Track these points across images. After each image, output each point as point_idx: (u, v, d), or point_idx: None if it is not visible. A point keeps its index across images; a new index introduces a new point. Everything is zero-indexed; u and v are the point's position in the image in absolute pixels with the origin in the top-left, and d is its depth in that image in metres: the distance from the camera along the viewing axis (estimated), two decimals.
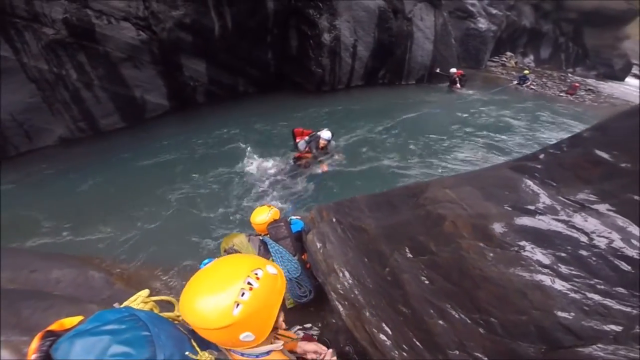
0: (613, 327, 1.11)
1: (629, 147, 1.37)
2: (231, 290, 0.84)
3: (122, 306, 0.93)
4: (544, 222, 1.27)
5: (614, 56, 21.39)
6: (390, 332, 1.72)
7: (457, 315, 1.43)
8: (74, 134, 6.68)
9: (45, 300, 2.47)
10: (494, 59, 18.20)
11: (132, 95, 7.14)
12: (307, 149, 5.79)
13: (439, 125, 8.63)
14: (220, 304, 0.82)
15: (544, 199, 1.34)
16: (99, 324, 0.75)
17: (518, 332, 1.24)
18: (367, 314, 1.86)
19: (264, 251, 2.64)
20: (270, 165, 5.98)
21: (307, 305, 2.62)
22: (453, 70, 12.52)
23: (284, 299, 0.99)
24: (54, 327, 0.78)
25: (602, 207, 1.26)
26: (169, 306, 1.15)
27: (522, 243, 1.25)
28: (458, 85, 12.57)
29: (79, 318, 0.80)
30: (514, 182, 1.48)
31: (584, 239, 1.19)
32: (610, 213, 1.25)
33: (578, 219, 1.24)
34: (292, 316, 2.61)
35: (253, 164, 6.00)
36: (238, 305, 0.82)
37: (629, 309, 1.12)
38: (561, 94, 14.86)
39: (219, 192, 5.28)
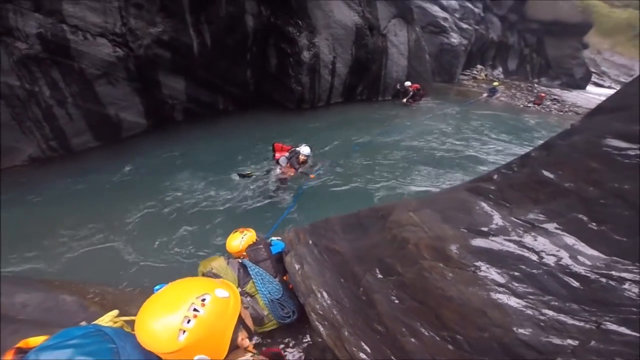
0: (570, 341, 1.17)
1: (571, 166, 1.49)
2: (175, 318, 0.84)
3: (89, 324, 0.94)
4: (497, 243, 1.36)
5: (574, 65, 22.96)
6: (369, 350, 1.76)
7: (426, 333, 1.49)
8: (44, 153, 6.46)
9: (10, 325, 2.38)
10: (466, 72, 19.06)
11: (106, 113, 7.00)
12: (287, 165, 5.95)
13: (411, 139, 8.92)
14: (166, 331, 0.83)
15: (497, 220, 1.44)
16: (64, 339, 0.77)
17: (483, 349, 1.29)
18: (346, 333, 1.90)
19: (244, 274, 2.62)
20: (252, 183, 5.98)
21: (293, 324, 2.62)
22: (407, 83, 12.26)
23: (241, 319, 1.00)
24: (20, 344, 0.81)
25: (551, 226, 1.36)
26: None
27: (478, 263, 1.33)
28: (411, 100, 12.17)
29: (45, 337, 0.81)
30: (469, 204, 1.58)
31: (534, 257, 1.29)
32: (558, 232, 1.36)
33: (528, 239, 1.34)
34: (279, 334, 2.60)
35: (234, 183, 5.99)
36: (184, 332, 0.83)
37: (582, 324, 1.19)
38: (529, 105, 15.71)
39: (199, 212, 5.21)
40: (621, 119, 1.57)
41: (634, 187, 1.35)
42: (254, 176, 6.02)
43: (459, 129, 10.21)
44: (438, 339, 1.44)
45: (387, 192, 6.05)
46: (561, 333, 1.20)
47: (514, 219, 1.42)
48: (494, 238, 1.38)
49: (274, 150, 6.31)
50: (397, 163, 7.31)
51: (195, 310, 0.86)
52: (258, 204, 5.47)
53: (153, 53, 7.19)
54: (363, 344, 1.79)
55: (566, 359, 1.15)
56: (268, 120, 9.41)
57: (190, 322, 0.84)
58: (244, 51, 8.91)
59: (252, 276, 2.57)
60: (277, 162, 6.06)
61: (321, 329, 2.07)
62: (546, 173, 1.50)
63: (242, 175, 5.97)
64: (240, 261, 2.67)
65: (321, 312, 2.12)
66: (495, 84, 16.43)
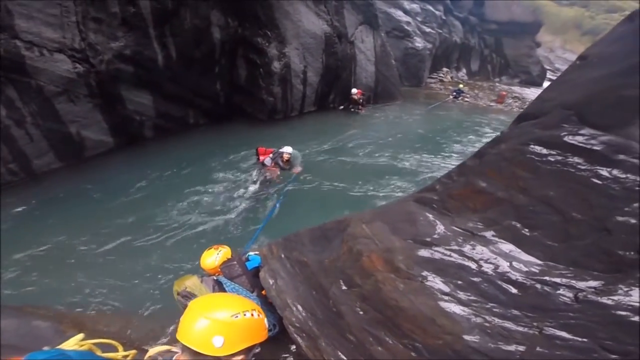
0: (517, 347, 1.24)
1: (501, 174, 1.64)
2: (229, 311, 1.08)
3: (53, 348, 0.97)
4: (439, 253, 1.49)
5: (530, 64, 24.55)
6: (345, 359, 1.85)
7: (390, 342, 1.58)
8: (4, 177, 6.09)
9: None
10: (433, 76, 19.82)
11: (67, 132, 6.70)
12: (273, 165, 6.52)
13: (381, 146, 9.19)
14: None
15: (440, 230, 1.57)
16: None
17: (440, 356, 1.37)
18: (323, 343, 1.98)
19: (219, 290, 2.65)
20: (230, 194, 5.99)
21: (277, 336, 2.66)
22: (354, 90, 11.98)
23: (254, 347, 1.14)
24: None
25: (488, 234, 1.51)
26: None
27: (425, 273, 1.45)
28: (360, 106, 12.00)
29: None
30: (415, 215, 1.70)
31: (474, 266, 1.42)
32: (495, 239, 1.51)
33: (467, 248, 1.47)
34: (263, 347, 2.64)
35: (209, 197, 5.95)
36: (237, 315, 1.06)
37: (525, 329, 1.26)
38: (491, 104, 16.61)
39: (175, 229, 5.14)
40: (541, 125, 1.70)
41: (558, 193, 1.52)
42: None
43: (426, 133, 10.65)
44: (401, 346, 1.53)
45: (360, 201, 6.20)
46: (508, 339, 1.26)
47: (455, 228, 1.55)
48: (436, 248, 1.50)
49: (257, 154, 6.79)
50: (368, 171, 7.50)
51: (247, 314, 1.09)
52: (236, 217, 5.47)
53: (115, 68, 6.99)
54: (340, 353, 1.87)
55: None
56: (240, 132, 9.35)
57: (238, 317, 1.06)
58: (212, 63, 8.84)
59: (229, 292, 2.60)
60: (263, 164, 6.57)
61: (300, 340, 2.15)
62: (480, 182, 1.63)
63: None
64: (215, 278, 2.69)
65: (298, 325, 2.19)
66: (461, 85, 17.25)
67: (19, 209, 5.54)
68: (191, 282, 2.66)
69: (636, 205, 1.33)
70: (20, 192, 6.00)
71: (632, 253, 1.26)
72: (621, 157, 1.42)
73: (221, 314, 1.05)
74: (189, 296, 2.46)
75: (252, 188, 6.26)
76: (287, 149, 6.61)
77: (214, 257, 2.76)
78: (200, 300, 1.17)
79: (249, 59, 9.49)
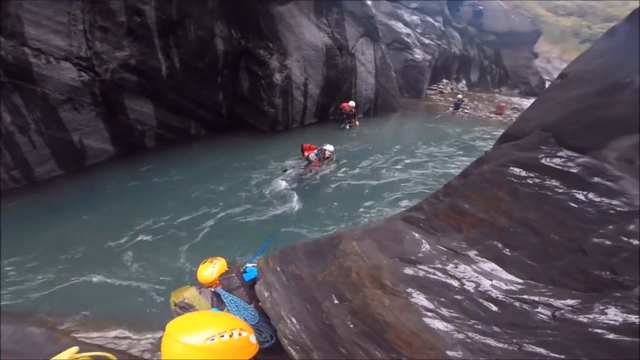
0: None
1: (482, 196, 1.71)
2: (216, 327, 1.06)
3: None
4: (424, 271, 1.55)
5: (528, 74, 24.77)
6: None
7: (380, 355, 1.61)
8: (6, 184, 6.19)
9: None
10: (432, 87, 19.99)
11: (69, 140, 6.83)
12: (317, 159, 7.95)
13: (381, 157, 9.30)
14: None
15: (425, 248, 1.63)
16: None
17: None
18: (316, 356, 2.02)
19: (218, 302, 2.68)
20: (229, 205, 6.08)
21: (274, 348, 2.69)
22: (352, 103, 11.49)
23: None
24: None
25: (472, 253, 1.58)
26: None
27: (409, 290, 1.51)
28: (350, 122, 11.58)
29: None
30: (402, 234, 1.77)
31: (456, 284, 1.49)
32: (478, 258, 1.57)
33: (450, 266, 1.54)
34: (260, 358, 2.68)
35: (210, 209, 6.04)
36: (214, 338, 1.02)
37: (505, 346, 1.29)
38: (491, 115, 16.73)
39: (173, 239, 5.20)
40: (521, 147, 1.77)
41: (537, 216, 1.58)
42: (289, 171, 7.75)
43: (425, 146, 10.71)
44: None
45: (356, 216, 6.26)
46: (489, 355, 1.29)
47: (440, 247, 1.62)
48: (421, 266, 1.56)
49: (302, 150, 8.16)
50: (366, 185, 7.60)
51: (224, 336, 1.06)
52: (236, 227, 5.53)
53: (119, 77, 7.16)
54: None
55: None
56: (241, 143, 9.45)
57: (214, 340, 1.03)
58: (215, 74, 9.01)
59: (227, 304, 2.62)
60: (308, 158, 7.98)
61: (293, 353, 2.19)
62: (462, 203, 1.71)
63: (284, 171, 7.75)
64: (213, 290, 2.73)
65: (291, 337, 2.24)
66: (460, 96, 17.40)
67: (18, 215, 5.58)
68: (189, 294, 2.70)
69: (611, 227, 1.40)
70: (20, 198, 6.07)
71: (608, 273, 1.33)
72: (596, 179, 1.49)
73: (196, 337, 1.01)
74: (187, 307, 2.50)
75: (293, 177, 7.50)
76: (330, 147, 8.16)
77: (210, 270, 2.79)
78: (177, 322, 1.12)
79: (251, 70, 9.69)
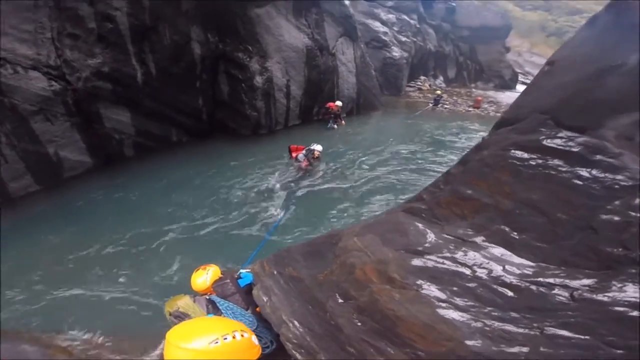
0: (521, 348, 1.23)
1: (485, 180, 1.69)
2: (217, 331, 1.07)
3: None
4: (432, 261, 1.50)
5: (502, 68, 25.63)
6: None
7: (392, 352, 1.54)
8: None
9: None
10: (411, 84, 20.34)
11: (44, 152, 6.44)
12: (305, 160, 7.80)
13: (367, 154, 9.36)
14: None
15: (430, 238, 1.58)
16: None
17: None
18: (323, 358, 1.94)
19: (213, 309, 2.58)
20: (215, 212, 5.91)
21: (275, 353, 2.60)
22: (339, 103, 11.53)
23: None
24: None
25: (479, 240, 1.54)
26: None
27: (419, 282, 1.45)
28: (336, 121, 11.59)
29: None
30: (405, 225, 1.72)
31: (468, 271, 1.44)
32: (486, 244, 1.53)
33: (460, 254, 1.49)
34: None
35: (197, 215, 5.86)
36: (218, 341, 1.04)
37: (526, 331, 1.26)
38: (469, 109, 17.17)
39: (159, 249, 4.99)
40: (519, 130, 1.77)
41: (542, 195, 1.56)
42: (277, 173, 7.69)
43: (409, 142, 10.85)
44: (404, 355, 1.50)
45: (349, 216, 6.23)
46: (510, 342, 1.25)
47: (446, 236, 1.57)
48: (429, 256, 1.51)
49: (290, 151, 8.08)
50: (355, 184, 7.59)
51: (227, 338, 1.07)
52: (222, 234, 5.37)
53: (93, 85, 6.84)
54: None
55: None
56: (224, 148, 9.24)
57: (217, 343, 1.04)
58: (193, 79, 8.76)
59: (223, 311, 2.52)
60: (297, 159, 7.86)
61: (299, 356, 2.09)
62: (465, 189, 1.68)
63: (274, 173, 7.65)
64: (207, 297, 2.62)
65: (295, 341, 2.14)
66: (438, 92, 17.76)
67: None
68: (183, 302, 2.59)
69: (617, 203, 1.38)
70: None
71: (620, 249, 1.31)
72: (598, 157, 1.49)
73: (199, 342, 1.02)
74: (182, 316, 2.39)
75: (285, 180, 7.41)
76: (318, 147, 7.97)
77: (204, 277, 2.69)
78: (177, 329, 1.13)
79: (231, 74, 9.48)
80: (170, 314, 2.50)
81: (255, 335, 2.57)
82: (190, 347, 1.00)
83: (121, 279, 4.36)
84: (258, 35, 9.49)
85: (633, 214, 1.31)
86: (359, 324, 1.71)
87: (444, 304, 1.38)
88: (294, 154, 8.04)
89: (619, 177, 1.40)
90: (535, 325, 1.24)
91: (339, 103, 11.61)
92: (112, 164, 7.55)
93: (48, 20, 6.21)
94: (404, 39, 18.67)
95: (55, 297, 4.02)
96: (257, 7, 9.27)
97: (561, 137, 1.60)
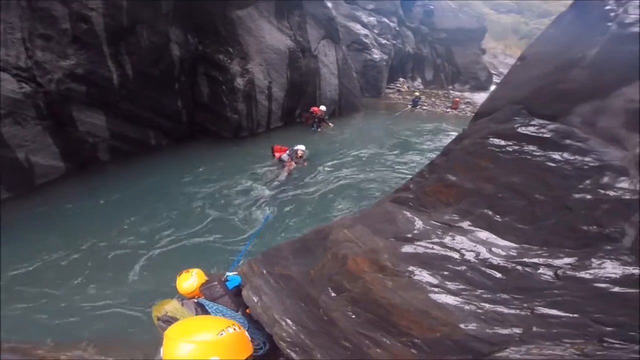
0: (514, 329, 1.26)
1: (466, 167, 1.76)
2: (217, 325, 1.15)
3: None
4: (422, 247, 1.53)
5: (478, 69, 26.49)
6: None
7: (388, 342, 1.55)
8: None
9: None
10: (390, 86, 20.67)
11: (14, 157, 6.10)
12: (289, 160, 7.87)
13: (351, 155, 9.47)
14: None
15: (419, 225, 1.63)
16: None
17: (441, 348, 1.36)
18: (318, 355, 1.92)
19: (203, 313, 2.53)
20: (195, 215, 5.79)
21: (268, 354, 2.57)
22: (323, 108, 11.63)
23: None
24: None
25: (465, 224, 1.59)
26: None
27: (411, 268, 1.48)
28: (320, 124, 11.65)
29: None
30: (394, 214, 1.76)
31: (456, 255, 1.48)
32: (472, 228, 1.59)
33: (448, 239, 1.54)
34: None
35: (177, 219, 5.72)
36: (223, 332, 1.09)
37: (517, 312, 1.29)
38: (447, 110, 17.68)
39: (142, 255, 4.85)
40: (496, 120, 1.87)
41: (520, 178, 1.64)
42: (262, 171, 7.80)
43: (391, 141, 11.05)
44: (399, 344, 1.52)
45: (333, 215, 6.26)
46: (503, 323, 1.29)
47: (433, 222, 1.62)
48: (418, 243, 1.55)
49: (273, 152, 8.14)
50: (339, 184, 7.66)
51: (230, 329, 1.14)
52: (202, 241, 5.27)
53: (66, 88, 6.58)
54: None
55: (518, 346, 1.22)
56: (204, 151, 9.04)
57: (223, 334, 1.09)
58: (172, 81, 8.57)
59: (212, 314, 2.48)
60: (280, 159, 7.91)
61: (293, 355, 2.08)
62: (450, 176, 1.74)
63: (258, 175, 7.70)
64: (196, 301, 2.57)
65: (289, 340, 2.12)
66: (417, 94, 18.18)
67: None
68: (171, 307, 2.53)
69: (587, 182, 1.48)
70: None
71: (594, 227, 1.39)
72: (568, 141, 1.60)
73: (205, 335, 1.06)
74: (170, 320, 2.33)
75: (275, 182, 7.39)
76: (301, 147, 8.11)
77: (191, 280, 2.66)
78: (175, 328, 1.15)
79: (211, 76, 9.33)
80: (158, 319, 2.45)
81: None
82: (199, 339, 1.04)
83: (101, 287, 4.22)
84: (239, 37, 9.41)
85: (602, 191, 1.40)
86: (353, 316, 1.72)
87: (436, 289, 1.41)
88: (277, 154, 8.08)
89: (587, 158, 1.50)
90: (525, 305, 1.29)
91: (322, 107, 11.66)
92: (87, 168, 7.28)
93: (19, 20, 5.97)
94: (384, 41, 18.99)
95: (28, 307, 3.85)
96: (239, 9, 9.20)
97: (534, 125, 1.69)
